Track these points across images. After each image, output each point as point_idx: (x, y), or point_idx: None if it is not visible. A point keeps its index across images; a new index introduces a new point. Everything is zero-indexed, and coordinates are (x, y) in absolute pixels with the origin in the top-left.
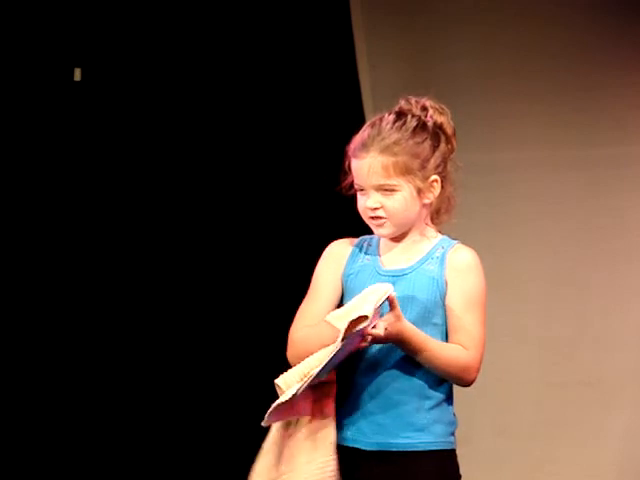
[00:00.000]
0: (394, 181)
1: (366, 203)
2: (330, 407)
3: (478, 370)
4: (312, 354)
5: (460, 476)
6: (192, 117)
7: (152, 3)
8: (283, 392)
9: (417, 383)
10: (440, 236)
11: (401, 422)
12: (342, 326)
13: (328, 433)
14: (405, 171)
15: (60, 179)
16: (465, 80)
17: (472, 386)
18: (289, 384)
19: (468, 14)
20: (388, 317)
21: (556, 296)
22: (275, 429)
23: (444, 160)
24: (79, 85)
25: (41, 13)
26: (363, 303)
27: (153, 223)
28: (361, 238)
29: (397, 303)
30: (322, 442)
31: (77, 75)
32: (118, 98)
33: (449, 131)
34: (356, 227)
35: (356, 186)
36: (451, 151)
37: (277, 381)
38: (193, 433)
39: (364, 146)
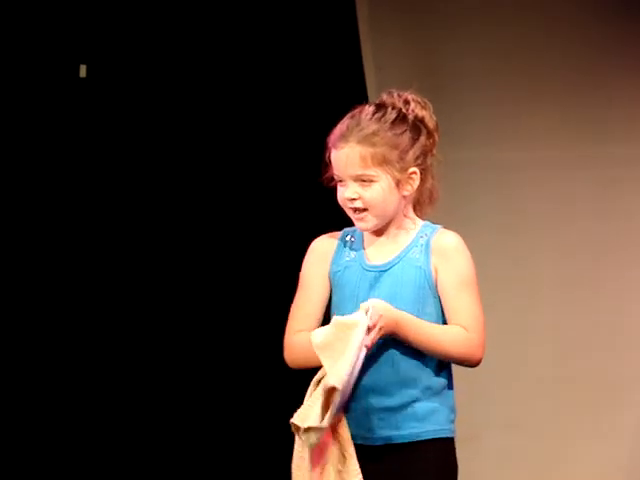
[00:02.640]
0: (372, 171)
1: (344, 194)
2: (342, 423)
3: (483, 349)
4: (311, 366)
5: (457, 466)
6: (196, 114)
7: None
8: (299, 428)
9: (416, 373)
10: (421, 223)
11: (403, 413)
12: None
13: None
14: (383, 161)
15: (65, 176)
16: (472, 79)
17: (483, 382)
18: (308, 421)
19: (475, 13)
20: (376, 312)
21: (568, 295)
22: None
23: (424, 153)
24: (84, 82)
25: (46, 9)
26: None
27: (156, 220)
28: (344, 231)
29: (375, 301)
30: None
31: (82, 72)
32: (123, 95)
33: (431, 125)
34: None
35: (335, 177)
36: (433, 145)
37: (294, 421)
38: (190, 433)
39: (343, 137)
